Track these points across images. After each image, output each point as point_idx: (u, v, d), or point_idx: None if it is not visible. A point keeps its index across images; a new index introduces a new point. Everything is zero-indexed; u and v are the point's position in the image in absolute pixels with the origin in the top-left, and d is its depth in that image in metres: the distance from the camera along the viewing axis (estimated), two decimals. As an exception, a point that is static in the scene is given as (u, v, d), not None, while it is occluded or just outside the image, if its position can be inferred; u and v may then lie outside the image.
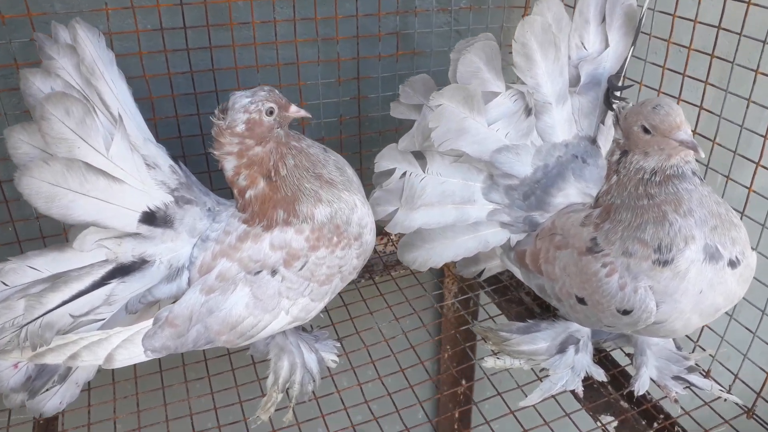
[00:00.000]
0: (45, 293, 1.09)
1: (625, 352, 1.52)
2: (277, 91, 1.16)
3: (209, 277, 1.20)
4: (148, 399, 1.44)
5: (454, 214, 1.41)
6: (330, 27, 1.63)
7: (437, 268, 1.54)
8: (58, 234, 1.58)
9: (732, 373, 1.43)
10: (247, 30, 1.56)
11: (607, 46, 1.34)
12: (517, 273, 1.46)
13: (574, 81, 1.35)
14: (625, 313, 1.17)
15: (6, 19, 1.35)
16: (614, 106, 1.29)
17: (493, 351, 1.48)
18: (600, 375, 1.41)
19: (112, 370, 1.28)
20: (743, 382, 1.42)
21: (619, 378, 1.47)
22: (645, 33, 1.40)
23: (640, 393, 1.36)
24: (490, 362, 1.47)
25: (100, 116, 1.08)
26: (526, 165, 1.36)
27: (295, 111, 1.17)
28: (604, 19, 1.33)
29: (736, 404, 1.38)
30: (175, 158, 1.26)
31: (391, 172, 1.41)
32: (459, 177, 1.40)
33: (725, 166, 1.38)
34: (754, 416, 1.37)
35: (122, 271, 1.17)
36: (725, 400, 1.37)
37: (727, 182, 1.37)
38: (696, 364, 1.42)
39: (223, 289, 1.20)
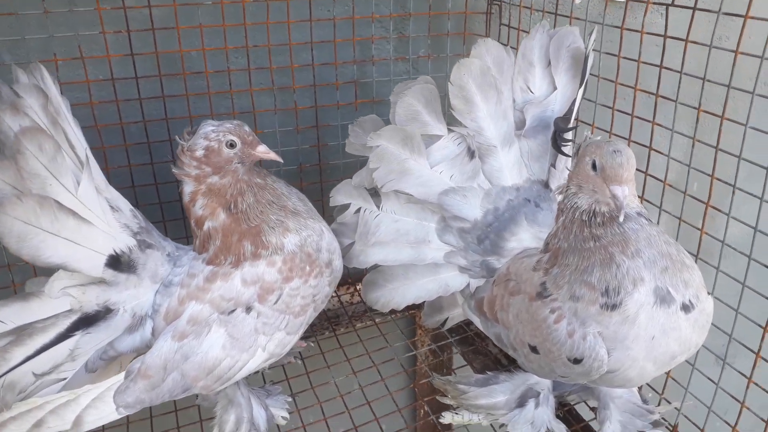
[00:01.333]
0: (9, 347, 1.04)
1: (589, 406, 1.45)
2: (246, 128, 1.16)
3: (179, 322, 1.17)
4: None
5: (409, 253, 1.39)
6: (286, 76, 1.63)
7: (405, 313, 1.49)
8: (6, 287, 1.55)
9: (698, 427, 1.34)
10: (201, 79, 1.56)
11: (554, 88, 1.33)
12: (477, 322, 1.41)
13: (521, 124, 1.33)
14: (576, 361, 1.11)
15: (-48, 69, 1.36)
16: (566, 145, 1.27)
17: (451, 405, 1.41)
18: (561, 431, 1.33)
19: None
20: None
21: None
22: (594, 75, 1.39)
23: None
24: (447, 418, 1.40)
25: (66, 156, 1.06)
26: (475, 208, 1.33)
27: (263, 151, 1.17)
28: (549, 63, 1.32)
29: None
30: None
31: (347, 206, 1.40)
32: (413, 216, 1.38)
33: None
34: None
35: (86, 321, 1.13)
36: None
37: (701, 236, 1.30)
38: (662, 419, 1.34)
39: (196, 333, 1.16)
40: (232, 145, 1.15)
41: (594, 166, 1.06)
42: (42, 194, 1.02)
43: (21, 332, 1.07)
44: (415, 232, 1.38)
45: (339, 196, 1.43)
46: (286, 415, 1.41)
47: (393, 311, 1.80)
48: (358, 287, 1.86)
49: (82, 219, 1.07)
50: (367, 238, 1.38)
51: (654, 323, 1.05)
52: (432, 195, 1.31)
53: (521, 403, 1.34)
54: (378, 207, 1.38)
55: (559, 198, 1.18)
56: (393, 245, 1.39)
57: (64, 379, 1.14)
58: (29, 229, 1.01)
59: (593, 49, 1.27)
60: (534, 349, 1.19)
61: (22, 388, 1.07)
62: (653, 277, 1.04)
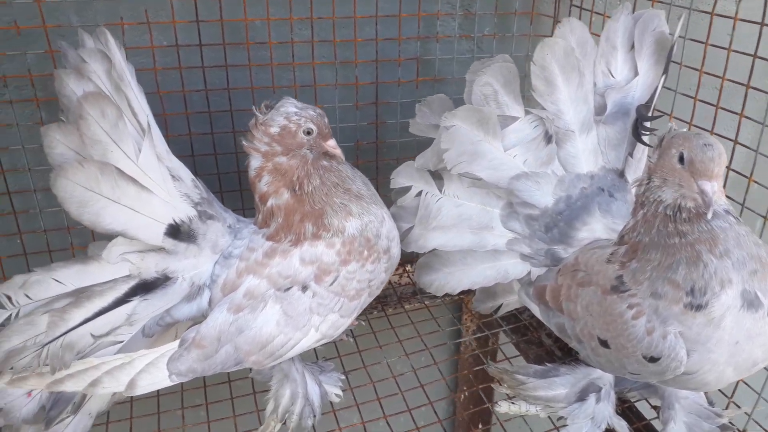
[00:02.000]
0: (68, 309, 1.05)
1: (651, 404, 1.40)
2: (326, 120, 1.15)
3: (236, 295, 1.16)
4: (142, 424, 1.38)
5: (470, 239, 1.35)
6: (349, 50, 1.60)
7: (453, 297, 1.48)
8: (65, 248, 1.55)
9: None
10: (264, 50, 1.53)
11: (636, 74, 1.27)
12: (535, 310, 1.37)
13: (600, 109, 1.28)
14: (652, 360, 1.07)
15: (21, 30, 1.34)
16: (645, 135, 1.22)
17: (507, 395, 1.39)
18: (623, 428, 1.30)
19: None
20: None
21: (644, 432, 1.36)
22: (675, 62, 1.33)
23: None
24: (504, 407, 1.37)
25: (128, 123, 1.05)
26: (547, 195, 1.28)
27: (332, 146, 1.17)
28: (633, 47, 1.26)
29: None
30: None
31: (407, 188, 1.36)
32: (477, 201, 1.34)
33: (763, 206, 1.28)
34: None
35: (145, 287, 1.13)
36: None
37: (765, 223, 1.27)
38: (730, 423, 1.29)
39: (252, 307, 1.15)
40: (308, 133, 1.13)
41: (681, 159, 1.01)
42: (103, 160, 1.02)
43: (80, 294, 1.07)
44: (478, 218, 1.34)
45: (400, 178, 1.38)
46: (340, 392, 1.40)
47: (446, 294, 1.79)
48: (407, 268, 1.84)
49: (143, 187, 1.06)
50: (427, 222, 1.34)
51: (739, 328, 1.00)
52: (503, 179, 1.27)
53: (582, 397, 1.31)
54: (440, 190, 1.34)
55: (637, 190, 1.14)
56: (454, 230, 1.35)
57: (121, 341, 1.14)
58: (90, 195, 1.01)
59: (680, 36, 1.22)
60: (604, 344, 1.16)
61: (80, 348, 1.08)
62: (741, 280, 0.99)
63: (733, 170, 1.31)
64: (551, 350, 1.59)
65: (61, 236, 1.54)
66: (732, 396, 1.39)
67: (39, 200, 1.50)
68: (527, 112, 1.24)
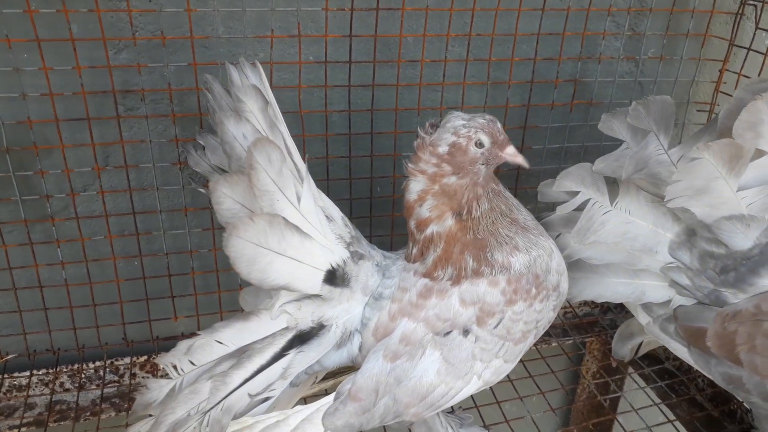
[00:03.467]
0: (230, 372, 0.99)
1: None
2: (499, 125, 1.01)
3: (391, 340, 1.06)
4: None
5: (623, 257, 1.21)
6: (503, 70, 1.45)
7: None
8: (185, 273, 1.46)
9: None
10: (413, 69, 1.40)
11: None
12: (680, 352, 1.21)
13: None
14: None
15: (166, 41, 1.24)
16: None
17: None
18: None
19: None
20: None
21: None
22: None
23: None
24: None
25: (287, 166, 0.95)
26: (749, 240, 1.11)
27: (511, 154, 1.03)
28: None
29: None
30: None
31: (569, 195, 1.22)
32: (650, 221, 1.19)
33: None
34: None
35: (301, 338, 1.05)
36: None
37: None
38: None
39: (410, 355, 1.04)
40: (480, 145, 1.00)
41: None
42: (271, 212, 0.93)
43: (241, 355, 1.01)
44: (643, 239, 1.19)
45: (569, 180, 1.22)
46: (483, 448, 1.28)
47: (572, 337, 1.65)
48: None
49: (305, 234, 0.98)
50: (585, 236, 1.19)
51: None
52: (712, 217, 1.11)
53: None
54: (611, 202, 1.19)
55: None
56: (611, 247, 1.21)
57: (272, 397, 1.06)
58: (259, 251, 0.93)
59: None
60: None
61: (237, 409, 1.00)
62: None
63: None
64: (709, 415, 1.43)
65: (181, 259, 1.45)
66: None
67: (163, 221, 1.40)
68: None
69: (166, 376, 1.00)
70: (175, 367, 1.00)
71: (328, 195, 1.42)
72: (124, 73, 1.27)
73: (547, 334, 1.65)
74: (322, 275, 1.02)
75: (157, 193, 1.38)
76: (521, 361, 1.53)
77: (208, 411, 0.96)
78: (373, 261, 1.11)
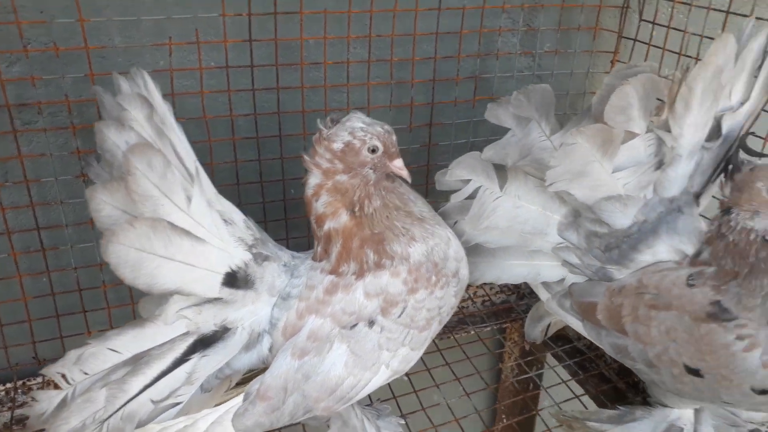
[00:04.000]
0: (127, 378, 0.97)
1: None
2: (394, 137, 1.05)
3: (299, 338, 1.07)
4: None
5: (516, 239, 1.27)
6: (405, 70, 1.49)
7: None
8: (95, 287, 1.44)
9: None
10: (317, 71, 1.42)
11: (746, 99, 1.16)
12: (575, 325, 1.29)
13: (711, 134, 1.16)
14: (764, 392, 1.02)
15: (60, 52, 1.22)
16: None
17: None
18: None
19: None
20: None
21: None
22: None
23: None
24: (579, 455, 1.30)
25: (175, 170, 0.95)
26: (628, 218, 1.19)
27: (398, 166, 1.07)
28: (757, 68, 1.15)
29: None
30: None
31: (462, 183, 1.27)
32: (538, 204, 1.25)
33: None
34: None
35: (204, 342, 1.04)
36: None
37: None
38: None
39: (317, 350, 1.06)
40: (373, 151, 1.03)
41: None
42: (154, 216, 0.93)
43: (138, 361, 0.99)
44: (534, 222, 1.25)
45: (460, 169, 1.26)
46: (400, 439, 1.31)
47: (493, 322, 1.71)
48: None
49: (196, 238, 0.98)
50: (479, 222, 1.24)
51: None
52: (593, 198, 1.18)
53: (664, 441, 1.25)
54: (501, 188, 1.24)
55: (710, 224, 1.13)
56: (504, 231, 1.26)
57: (180, 402, 1.05)
58: (143, 256, 0.93)
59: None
60: (694, 372, 1.09)
61: (141, 417, 0.99)
62: None
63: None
64: (615, 387, 1.51)
65: (91, 273, 1.42)
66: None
67: (70, 235, 1.38)
68: (649, 130, 1.14)
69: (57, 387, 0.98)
70: (64, 377, 0.97)
71: (239, 200, 1.45)
72: (17, 86, 1.24)
73: (464, 322, 1.72)
74: (220, 278, 1.02)
75: (61, 207, 1.36)
76: (439, 350, 1.59)
77: (106, 420, 0.94)
78: (280, 262, 1.12)
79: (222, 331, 1.06)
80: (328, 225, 1.07)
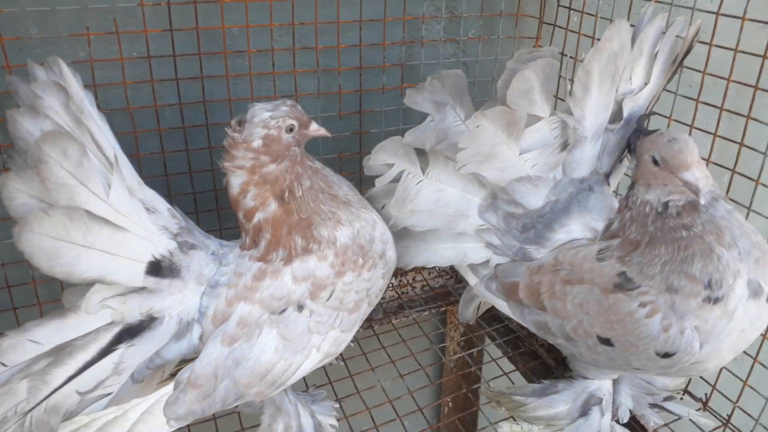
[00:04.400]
0: (49, 369, 0.96)
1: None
2: (299, 107, 1.06)
3: (228, 325, 1.08)
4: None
5: (441, 222, 1.30)
6: (332, 57, 1.51)
7: (440, 309, 1.44)
8: (32, 304, 1.43)
9: (709, 384, 1.39)
10: (242, 59, 1.44)
11: (647, 81, 1.22)
12: (501, 306, 1.33)
13: (614, 117, 1.22)
14: (667, 356, 1.07)
15: (-27, 43, 1.21)
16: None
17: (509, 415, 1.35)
18: (630, 439, 1.29)
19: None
20: (721, 393, 1.40)
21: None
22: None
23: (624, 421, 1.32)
24: (506, 428, 1.34)
25: (93, 158, 0.95)
26: (540, 198, 1.24)
27: (315, 129, 1.09)
28: (654, 53, 1.20)
29: (715, 416, 1.39)
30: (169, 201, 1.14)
31: (386, 167, 1.29)
32: (459, 187, 1.28)
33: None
34: (730, 426, 1.37)
35: (130, 332, 1.04)
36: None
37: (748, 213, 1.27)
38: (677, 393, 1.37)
39: (247, 336, 1.08)
40: (291, 129, 1.05)
41: (656, 162, 1.05)
42: (71, 205, 0.93)
43: (60, 351, 0.98)
44: (455, 205, 1.29)
45: (383, 153, 1.28)
46: (335, 422, 1.33)
47: (429, 306, 1.74)
48: (392, 281, 1.78)
49: (116, 227, 0.98)
50: (403, 205, 1.27)
51: (746, 316, 1.03)
52: (504, 180, 1.22)
53: (584, 411, 1.30)
54: (423, 172, 1.27)
55: (621, 199, 1.17)
56: (428, 214, 1.29)
57: (110, 393, 1.05)
58: (60, 245, 0.92)
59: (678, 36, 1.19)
60: (606, 342, 1.14)
61: (67, 408, 0.99)
62: (747, 270, 1.03)
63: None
64: (544, 362, 1.56)
65: (21, 269, 1.40)
66: (715, 383, 1.42)
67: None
68: (552, 113, 1.18)
69: None
70: None
71: (168, 191, 1.45)
72: (-71, 79, 1.23)
73: (403, 307, 1.75)
74: (143, 267, 1.02)
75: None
76: (376, 334, 1.61)
77: (29, 412, 0.94)
78: (208, 250, 1.13)
79: (148, 321, 1.06)
80: (258, 217, 1.08)
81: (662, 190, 1.06)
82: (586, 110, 1.17)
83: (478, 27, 1.64)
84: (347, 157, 1.63)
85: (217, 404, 1.09)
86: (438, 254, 1.34)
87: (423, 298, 1.81)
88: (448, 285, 1.86)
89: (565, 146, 1.21)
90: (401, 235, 1.33)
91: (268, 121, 1.04)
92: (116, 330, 1.03)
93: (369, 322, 1.67)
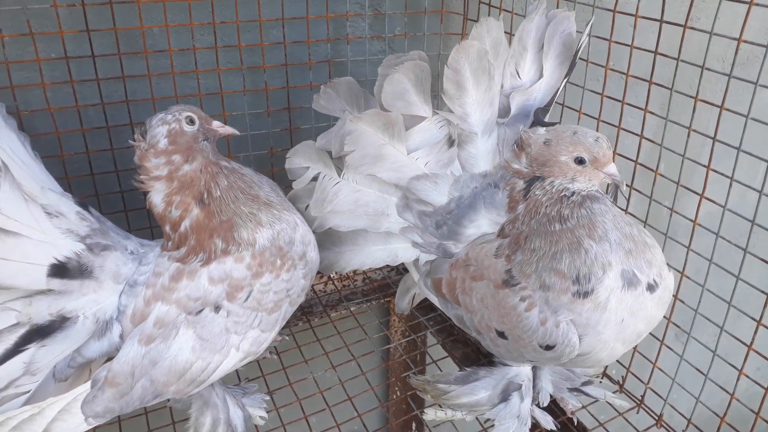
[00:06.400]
0: None
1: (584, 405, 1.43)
2: (194, 107, 1.09)
3: (146, 325, 1.10)
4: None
5: (365, 221, 1.33)
6: (256, 55, 1.53)
7: (381, 302, 1.54)
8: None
9: (624, 366, 1.46)
10: (164, 58, 1.45)
11: (541, 76, 1.26)
12: (436, 301, 1.37)
13: (504, 111, 1.27)
14: (548, 348, 1.11)
15: None
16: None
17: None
18: (548, 423, 1.33)
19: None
20: (635, 375, 1.48)
21: (569, 425, 1.38)
22: (582, 59, 1.34)
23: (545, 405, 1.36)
24: (431, 414, 1.36)
25: None
26: (443, 194, 1.27)
27: (219, 125, 1.11)
28: (542, 48, 1.25)
29: (631, 397, 1.45)
30: (84, 204, 1.15)
31: (303, 169, 1.32)
32: (375, 188, 1.31)
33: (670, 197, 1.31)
34: (644, 406, 1.44)
35: (40, 332, 1.05)
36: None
37: (671, 215, 1.31)
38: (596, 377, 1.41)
39: (164, 336, 1.09)
40: (191, 121, 1.07)
41: (581, 161, 1.07)
42: None
43: None
44: (374, 204, 1.31)
45: (298, 158, 1.32)
46: (264, 414, 1.35)
47: (368, 299, 1.77)
48: (332, 276, 1.80)
49: (7, 232, 0.98)
50: (323, 206, 1.30)
51: (623, 306, 1.06)
52: (403, 179, 1.25)
53: (504, 397, 1.33)
54: (339, 174, 1.29)
55: (512, 191, 1.18)
56: (350, 214, 1.32)
57: (27, 392, 1.07)
58: None
59: (578, 32, 1.23)
60: (501, 335, 1.18)
61: None
62: (620, 261, 1.06)
63: (640, 164, 1.34)
64: (478, 349, 1.59)
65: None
66: (629, 366, 1.47)
67: None
68: (435, 113, 1.22)
69: None
70: None
71: (95, 190, 1.46)
72: None
73: (340, 300, 1.77)
74: (44, 270, 1.03)
75: None
76: (312, 327, 1.63)
77: None
78: (125, 250, 1.15)
79: (60, 321, 1.07)
80: (184, 225, 1.10)
81: (585, 184, 1.09)
82: (467, 107, 1.21)
83: (403, 24, 1.67)
84: (278, 153, 1.65)
85: (135, 402, 1.10)
86: (371, 256, 1.37)
87: (364, 290, 1.84)
88: (389, 278, 1.89)
89: (451, 143, 1.24)
90: (334, 240, 1.36)
91: (164, 117, 1.07)
92: (22, 331, 1.04)
93: (307, 317, 1.69)
